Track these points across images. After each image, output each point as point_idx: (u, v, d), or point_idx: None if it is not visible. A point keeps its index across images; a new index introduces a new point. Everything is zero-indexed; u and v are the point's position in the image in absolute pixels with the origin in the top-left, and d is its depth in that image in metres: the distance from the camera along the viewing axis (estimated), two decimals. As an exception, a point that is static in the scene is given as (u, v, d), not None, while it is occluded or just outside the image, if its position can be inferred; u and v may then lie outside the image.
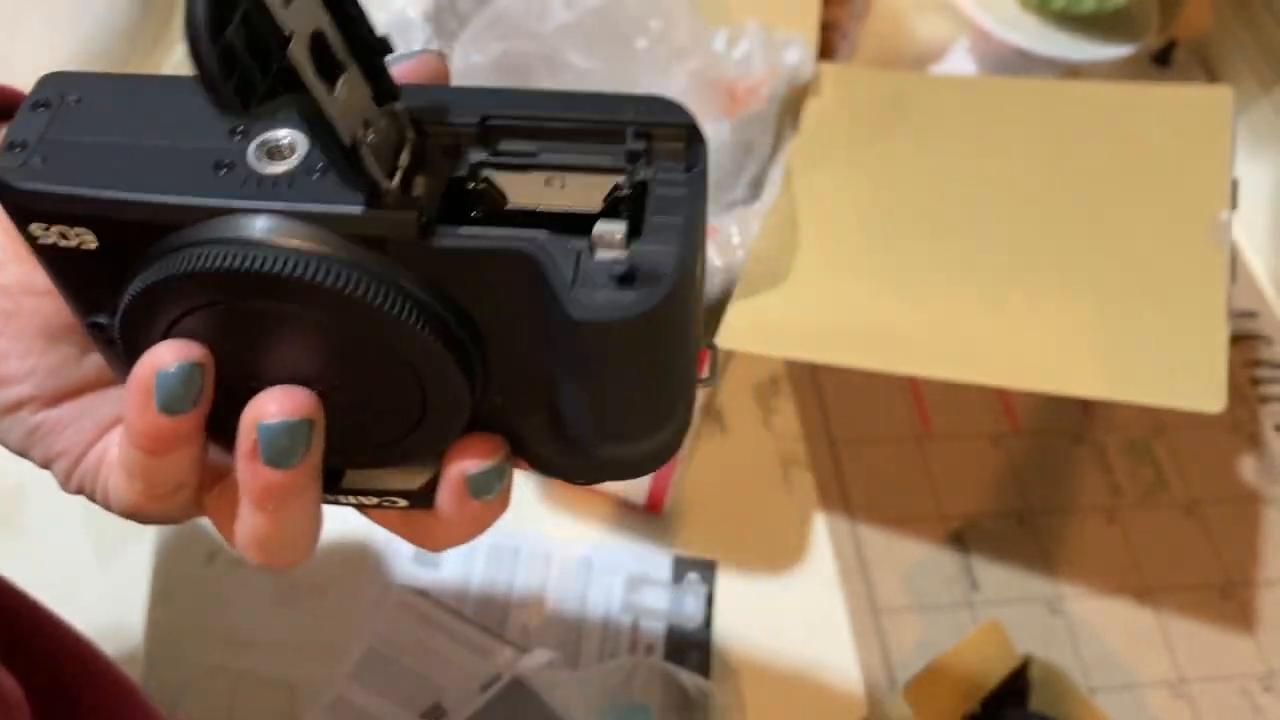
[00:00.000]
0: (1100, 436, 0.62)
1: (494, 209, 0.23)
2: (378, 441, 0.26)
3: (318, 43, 0.20)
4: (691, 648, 0.53)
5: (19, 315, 0.26)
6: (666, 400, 0.26)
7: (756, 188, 0.54)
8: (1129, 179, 0.51)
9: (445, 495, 0.26)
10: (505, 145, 0.23)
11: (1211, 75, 0.77)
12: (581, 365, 0.24)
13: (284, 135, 0.22)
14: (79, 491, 0.28)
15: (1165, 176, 0.51)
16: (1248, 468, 0.61)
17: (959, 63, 0.70)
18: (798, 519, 0.57)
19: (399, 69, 0.24)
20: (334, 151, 0.21)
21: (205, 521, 0.52)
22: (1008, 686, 0.48)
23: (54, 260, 0.24)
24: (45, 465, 0.28)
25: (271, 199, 0.21)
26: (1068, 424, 0.62)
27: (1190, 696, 0.53)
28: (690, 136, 0.23)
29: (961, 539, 0.57)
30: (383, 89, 0.21)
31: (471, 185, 0.23)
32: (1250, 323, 0.68)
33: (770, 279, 0.49)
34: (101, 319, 0.25)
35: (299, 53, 0.19)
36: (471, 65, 0.50)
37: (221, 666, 0.51)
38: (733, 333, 0.46)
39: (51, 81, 0.23)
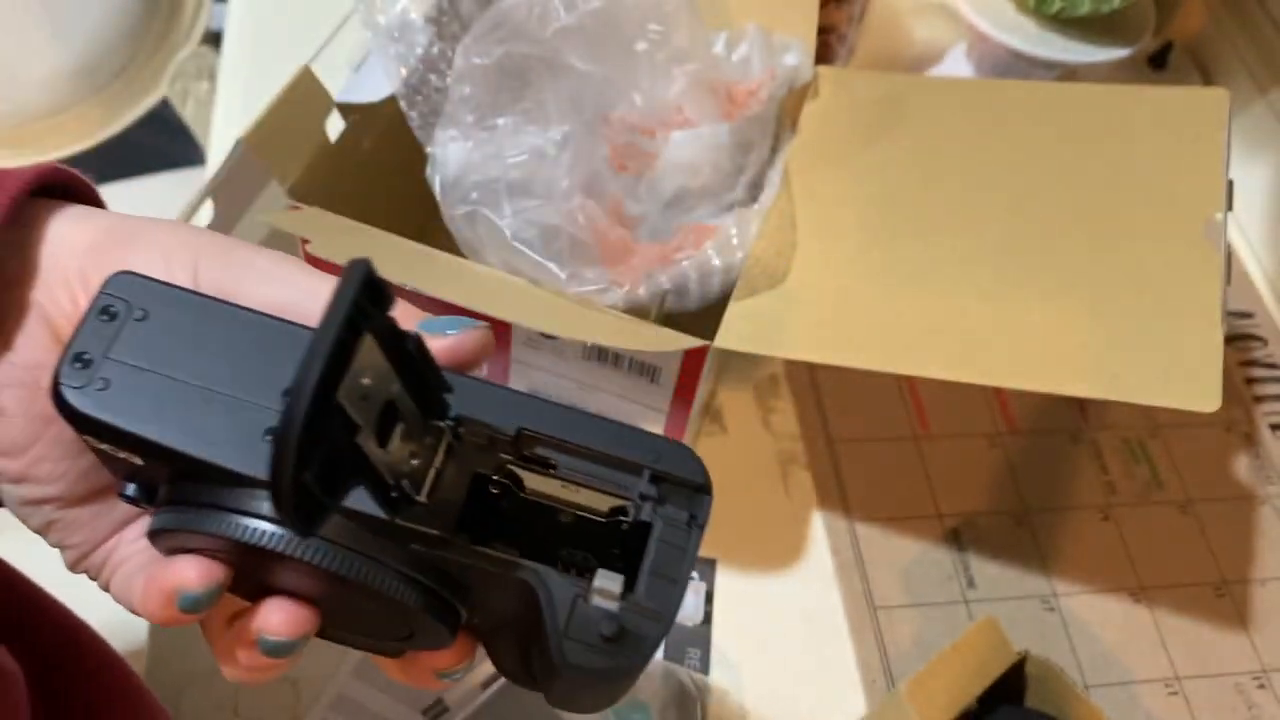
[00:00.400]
0: (1096, 436, 0.62)
1: (510, 495, 0.25)
2: (361, 633, 0.29)
3: (386, 410, 0.21)
4: (691, 645, 0.53)
5: (57, 423, 0.27)
6: (616, 698, 0.28)
7: (755, 189, 0.54)
8: (1125, 180, 0.51)
9: (417, 672, 0.30)
10: (532, 451, 0.25)
11: (1207, 77, 0.77)
12: (554, 673, 0.25)
13: None
14: (84, 573, 0.30)
15: (1161, 178, 0.51)
16: (1242, 467, 0.62)
17: (956, 65, 0.71)
18: (796, 517, 0.58)
19: (447, 341, 0.26)
20: (376, 491, 0.22)
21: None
22: (1004, 683, 0.48)
23: (99, 453, 0.26)
24: (56, 547, 0.30)
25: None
26: (1064, 423, 0.63)
27: (1185, 693, 0.53)
28: (699, 490, 0.25)
29: (958, 537, 0.58)
30: (433, 411, 0.23)
31: (495, 478, 0.25)
32: (1245, 323, 0.68)
33: (769, 279, 0.49)
34: (131, 492, 0.27)
35: (367, 444, 0.21)
36: (473, 68, 0.51)
37: (225, 663, 0.51)
38: (731, 333, 0.47)
39: (120, 283, 0.25)
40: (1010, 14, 0.65)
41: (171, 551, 0.27)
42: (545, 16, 0.50)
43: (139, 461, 0.25)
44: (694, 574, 0.55)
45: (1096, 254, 0.49)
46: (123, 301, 0.24)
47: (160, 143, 1.09)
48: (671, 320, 0.49)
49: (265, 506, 0.23)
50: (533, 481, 0.25)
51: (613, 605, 0.24)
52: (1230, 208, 0.49)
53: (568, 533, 0.26)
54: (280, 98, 0.51)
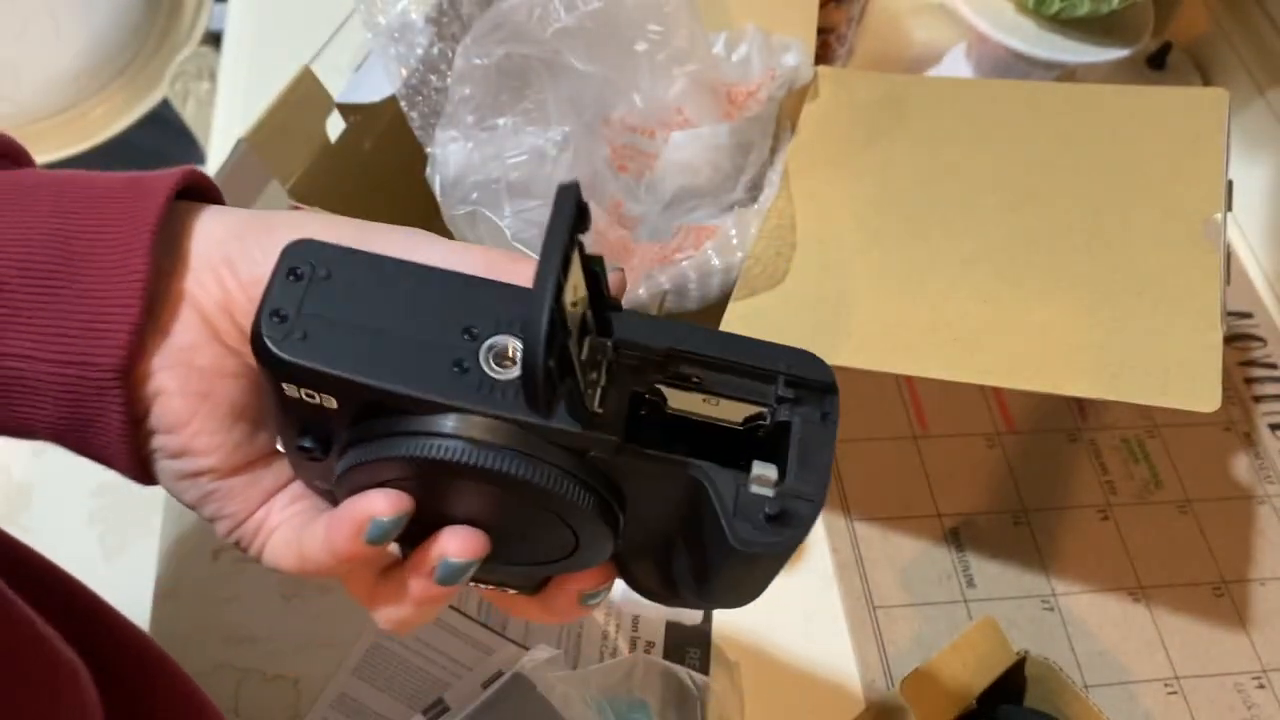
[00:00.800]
0: (1095, 435, 0.62)
1: (657, 411, 0.28)
2: (521, 559, 0.31)
3: (582, 323, 0.25)
4: (690, 645, 0.53)
5: (211, 396, 0.30)
6: (769, 582, 0.31)
7: (755, 189, 0.54)
8: (1124, 180, 0.51)
9: (561, 602, 0.32)
10: (678, 370, 0.28)
11: (1206, 77, 0.77)
12: (714, 565, 0.28)
13: (509, 343, 0.26)
14: (235, 544, 0.32)
15: (1160, 178, 0.51)
16: (1241, 467, 0.62)
17: (956, 66, 0.71)
18: (796, 517, 0.58)
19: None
20: (574, 397, 0.26)
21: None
22: (1003, 683, 0.48)
23: (289, 404, 0.28)
24: (209, 519, 0.32)
25: (501, 407, 0.26)
26: (1063, 423, 0.63)
27: (1184, 693, 0.54)
28: (828, 390, 0.27)
29: (957, 536, 0.58)
30: (604, 329, 0.27)
31: (646, 395, 0.28)
32: (1244, 323, 0.68)
33: (768, 279, 0.49)
34: (308, 443, 0.29)
35: (574, 350, 0.24)
36: (473, 68, 0.51)
37: (226, 662, 0.51)
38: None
39: (299, 250, 0.27)
40: (1009, 14, 0.65)
41: (353, 492, 0.28)
42: (545, 17, 0.51)
43: (333, 405, 0.27)
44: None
45: (1096, 254, 0.49)
46: (307, 264, 0.27)
47: (161, 143, 1.09)
48: (671, 320, 0.49)
49: (452, 425, 0.26)
50: (676, 399, 0.28)
51: (770, 491, 0.26)
52: (1229, 208, 0.49)
53: (711, 442, 0.28)
54: (281, 98, 0.51)
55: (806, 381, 0.27)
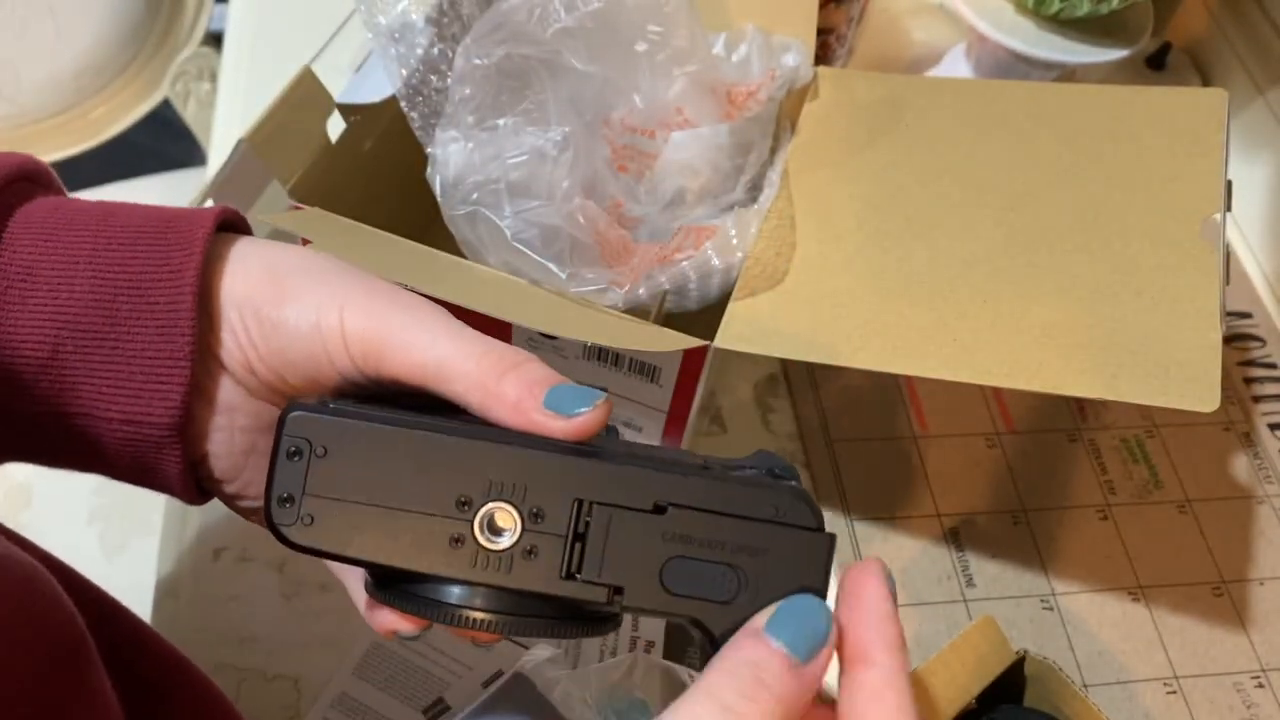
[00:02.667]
0: (1094, 435, 0.62)
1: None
2: None
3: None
4: (690, 645, 0.53)
5: (255, 450, 0.33)
6: None
7: (755, 190, 0.54)
8: (1123, 181, 0.51)
9: None
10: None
11: (1205, 78, 0.78)
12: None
13: (496, 511, 0.29)
14: None
15: (1160, 178, 0.51)
16: (1240, 466, 0.62)
17: (955, 66, 0.71)
18: (796, 517, 0.58)
19: (576, 422, 0.30)
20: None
21: (209, 518, 0.53)
22: (1003, 682, 0.48)
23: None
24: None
25: (495, 578, 0.29)
26: (1062, 423, 0.63)
27: (1183, 692, 0.54)
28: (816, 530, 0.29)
29: (957, 536, 0.58)
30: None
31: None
32: (1243, 323, 0.68)
33: (768, 280, 0.49)
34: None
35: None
36: (473, 69, 0.51)
37: (226, 662, 0.51)
38: (731, 333, 0.47)
39: (296, 426, 0.29)
40: (1009, 15, 0.65)
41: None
42: (545, 17, 0.51)
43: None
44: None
45: (1095, 254, 0.49)
46: (303, 440, 0.29)
47: (161, 143, 1.10)
48: (671, 320, 0.49)
49: (456, 595, 0.29)
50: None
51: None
52: (1229, 208, 0.49)
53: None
54: (281, 98, 0.51)
55: (793, 526, 0.29)
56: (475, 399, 0.30)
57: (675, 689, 0.50)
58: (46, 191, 0.34)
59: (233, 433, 0.33)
